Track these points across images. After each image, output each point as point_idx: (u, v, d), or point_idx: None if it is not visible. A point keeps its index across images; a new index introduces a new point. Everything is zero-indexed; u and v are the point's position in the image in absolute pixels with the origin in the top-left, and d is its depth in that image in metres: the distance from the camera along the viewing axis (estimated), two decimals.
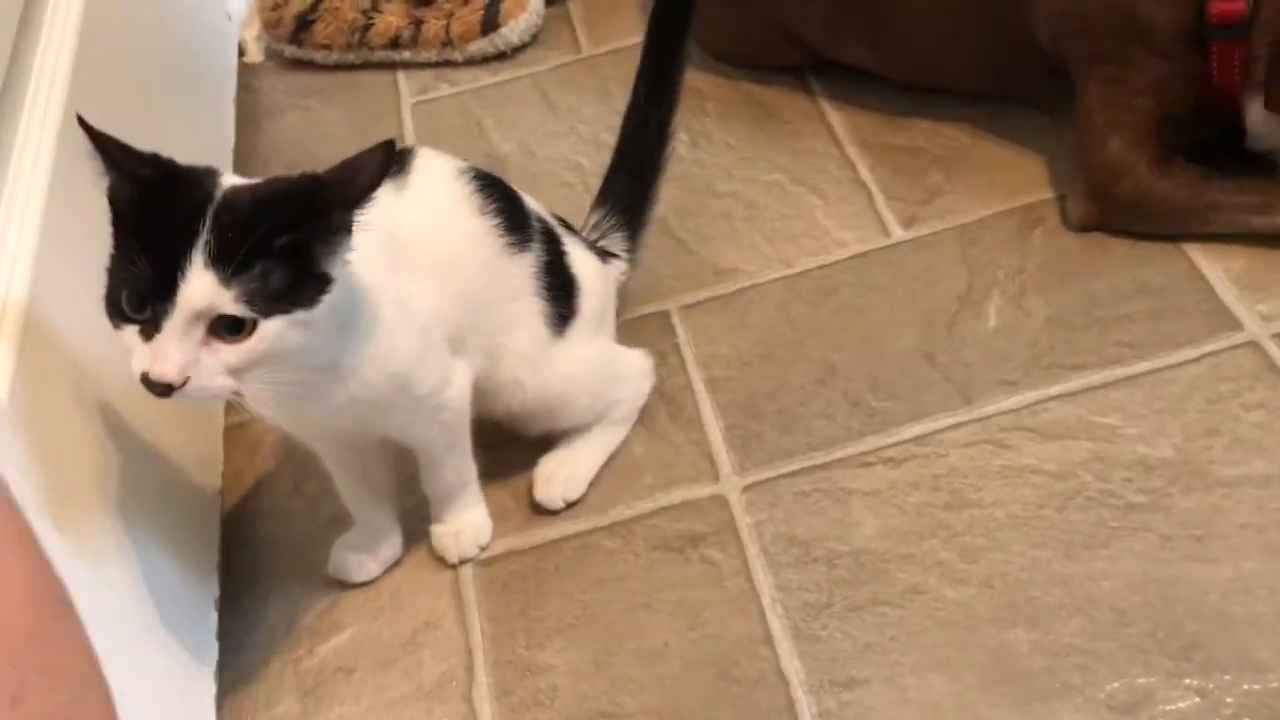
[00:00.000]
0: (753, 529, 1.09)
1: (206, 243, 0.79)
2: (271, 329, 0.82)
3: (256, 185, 0.86)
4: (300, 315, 0.83)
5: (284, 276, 0.81)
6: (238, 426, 1.26)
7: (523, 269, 1.07)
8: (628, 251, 1.24)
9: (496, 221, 1.04)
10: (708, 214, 1.39)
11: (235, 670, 1.07)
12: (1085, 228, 1.26)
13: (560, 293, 1.11)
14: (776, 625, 1.03)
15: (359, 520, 1.12)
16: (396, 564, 1.13)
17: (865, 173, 1.40)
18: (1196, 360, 1.13)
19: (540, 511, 1.14)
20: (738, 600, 1.05)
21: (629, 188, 1.25)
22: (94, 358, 0.97)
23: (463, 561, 1.12)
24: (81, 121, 0.82)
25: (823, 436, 1.15)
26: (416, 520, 1.14)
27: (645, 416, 1.19)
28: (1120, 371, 1.14)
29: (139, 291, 0.80)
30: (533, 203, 1.12)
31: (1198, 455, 1.06)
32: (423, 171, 1.02)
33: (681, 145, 1.42)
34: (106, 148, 0.83)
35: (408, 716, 1.03)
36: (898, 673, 0.98)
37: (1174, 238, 1.23)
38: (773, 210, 1.38)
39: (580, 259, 1.15)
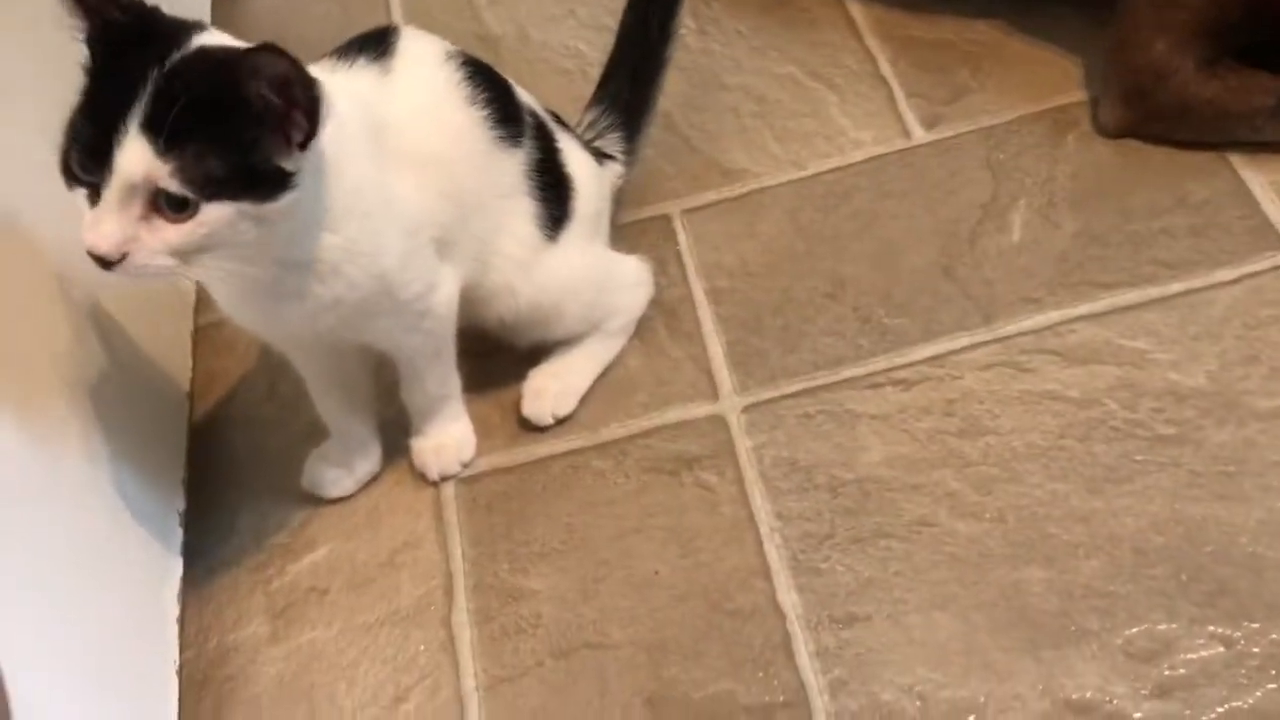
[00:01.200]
0: (752, 452, 1.03)
1: (148, 106, 0.73)
2: (214, 214, 0.75)
3: (222, 49, 0.78)
4: (249, 207, 0.76)
5: (224, 161, 0.74)
6: (210, 326, 1.19)
7: (514, 166, 0.99)
8: (625, 154, 1.16)
9: (487, 113, 0.96)
10: (715, 109, 1.30)
11: (200, 589, 1.01)
12: (1120, 133, 1.17)
13: (553, 193, 1.03)
14: (774, 555, 0.97)
15: (335, 432, 1.05)
16: (374, 480, 1.07)
17: (886, 67, 1.29)
18: (1236, 281, 1.05)
19: (528, 428, 1.08)
20: (733, 528, 0.99)
21: (628, 86, 1.16)
22: (53, 241, 0.90)
23: (444, 479, 1.05)
24: None
25: (830, 355, 1.07)
26: (396, 434, 1.07)
27: (642, 329, 1.12)
28: (1153, 292, 1.06)
29: (82, 151, 0.74)
30: (525, 95, 1.03)
31: (1233, 385, 0.99)
32: (408, 55, 0.93)
33: (688, 33, 1.32)
34: None
35: (383, 641, 0.98)
36: (901, 610, 0.92)
37: (1217, 147, 1.14)
38: (785, 106, 1.29)
39: (575, 158, 1.07)
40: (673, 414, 1.07)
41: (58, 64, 0.76)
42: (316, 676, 0.97)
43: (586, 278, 1.07)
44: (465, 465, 1.06)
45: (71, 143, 0.75)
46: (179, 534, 1.02)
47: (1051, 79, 1.23)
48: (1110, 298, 1.06)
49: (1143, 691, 0.85)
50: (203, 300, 1.20)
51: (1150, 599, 0.89)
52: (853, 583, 0.94)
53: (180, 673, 0.96)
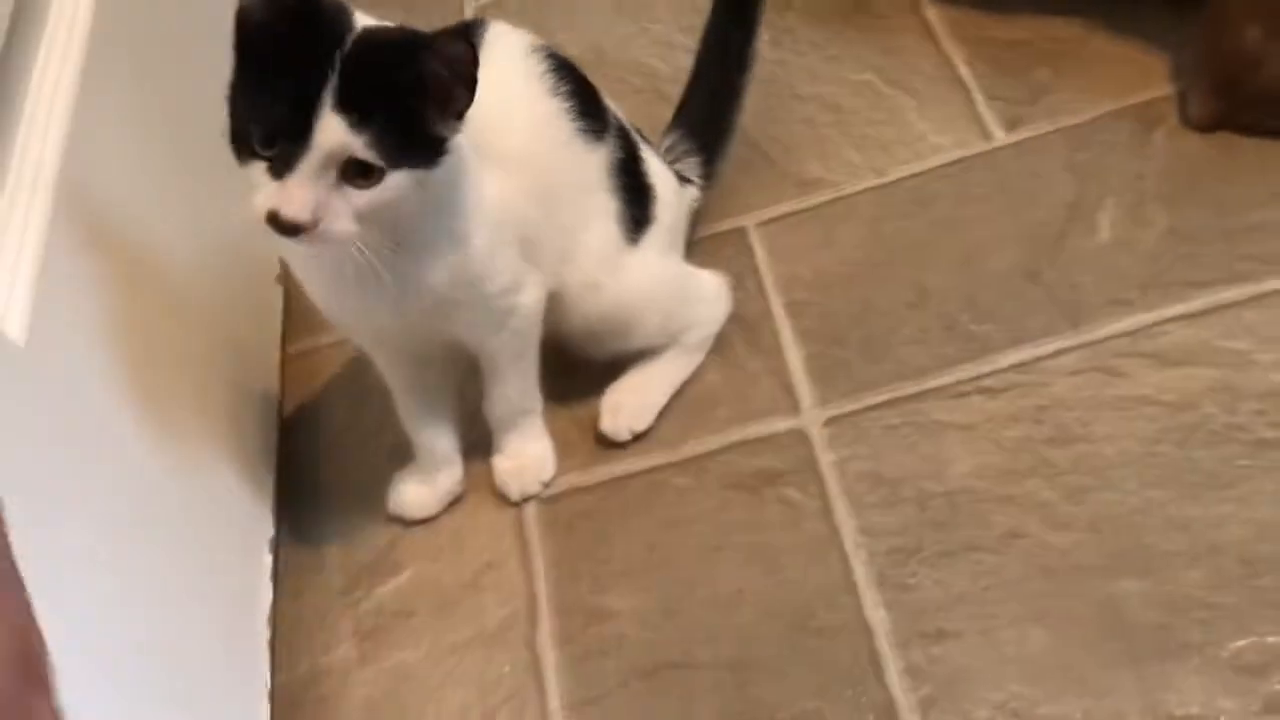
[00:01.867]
0: (835, 466, 1.01)
1: (339, 85, 0.78)
2: (397, 181, 0.81)
3: (388, 30, 0.83)
4: (421, 173, 0.82)
5: (402, 132, 0.80)
6: (298, 355, 1.21)
7: (596, 161, 1.00)
8: (702, 178, 1.15)
9: (570, 105, 0.97)
10: (790, 119, 1.28)
11: (290, 614, 1.03)
12: (1210, 126, 1.13)
13: (635, 195, 1.03)
14: (860, 572, 0.95)
15: (418, 449, 1.06)
16: (457, 501, 1.07)
17: (964, 70, 1.27)
18: None
19: (606, 445, 1.07)
20: (818, 545, 0.97)
21: (706, 111, 1.16)
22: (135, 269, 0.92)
23: (525, 499, 1.06)
24: None
25: (913, 365, 1.05)
26: (479, 457, 1.08)
27: (720, 344, 1.11)
28: (1251, 289, 1.01)
29: (270, 128, 0.79)
30: (609, 102, 1.04)
31: None
32: (494, 47, 0.94)
33: (761, 44, 1.31)
34: None
35: (468, 663, 0.98)
36: (993, 625, 0.89)
37: None
38: (861, 114, 1.27)
39: (656, 167, 1.07)
40: (753, 429, 1.05)
41: None
42: (405, 698, 0.97)
43: (666, 285, 1.07)
44: (546, 485, 1.06)
45: (251, 118, 0.79)
46: (269, 560, 1.03)
47: (1135, 75, 1.19)
48: (1205, 297, 1.02)
49: (1252, 708, 0.81)
50: (289, 329, 1.22)
51: (1258, 610, 0.85)
52: (942, 598, 0.91)
53: (272, 697, 0.98)
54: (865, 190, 1.20)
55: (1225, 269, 1.03)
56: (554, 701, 0.94)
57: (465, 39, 0.82)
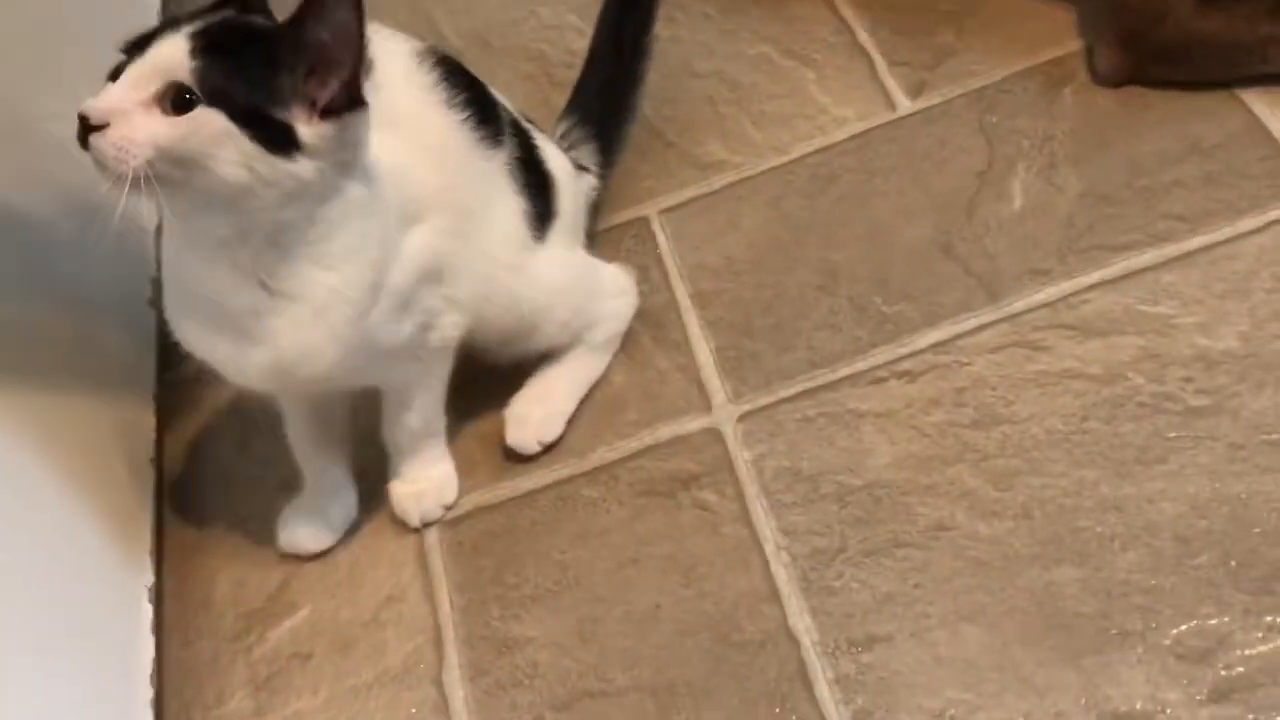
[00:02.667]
0: (751, 465, 0.95)
1: (206, 20, 0.76)
2: (206, 118, 0.74)
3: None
4: (245, 141, 0.74)
5: (245, 87, 0.75)
6: (175, 384, 1.12)
7: (498, 166, 0.93)
8: (599, 166, 1.09)
9: (466, 115, 0.90)
10: (687, 99, 1.22)
11: (179, 664, 0.95)
12: (1119, 81, 1.08)
13: (536, 191, 0.97)
14: (782, 577, 0.89)
15: (309, 478, 0.99)
16: (353, 530, 1.00)
17: (864, 36, 1.21)
18: (1262, 230, 0.96)
19: (513, 458, 1.01)
20: (737, 550, 0.91)
21: (602, 98, 1.10)
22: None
23: (426, 524, 0.99)
24: None
25: (827, 351, 0.99)
26: (373, 480, 1.00)
27: (626, 341, 1.05)
28: (1171, 249, 0.97)
29: (130, 42, 0.76)
30: (496, 94, 0.97)
31: (1268, 344, 0.90)
32: (379, 59, 0.86)
33: None
34: None
35: (373, 706, 0.91)
36: (925, 626, 0.84)
37: (1227, 85, 1.05)
38: (761, 89, 1.21)
39: (552, 154, 1.01)
40: (664, 430, 0.99)
41: None
42: None
43: (574, 279, 1.00)
44: (448, 508, 0.99)
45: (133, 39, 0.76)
46: (149, 611, 0.95)
47: (1041, 31, 1.14)
48: (1125, 261, 0.98)
49: (1198, 697, 0.77)
50: (165, 354, 1.13)
51: (1198, 591, 0.80)
52: (870, 600, 0.86)
53: None
54: (768, 170, 1.14)
55: (1144, 230, 0.99)
56: None
57: (359, 7, 0.75)
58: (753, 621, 0.88)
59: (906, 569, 0.87)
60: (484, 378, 1.02)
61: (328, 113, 0.77)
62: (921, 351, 0.97)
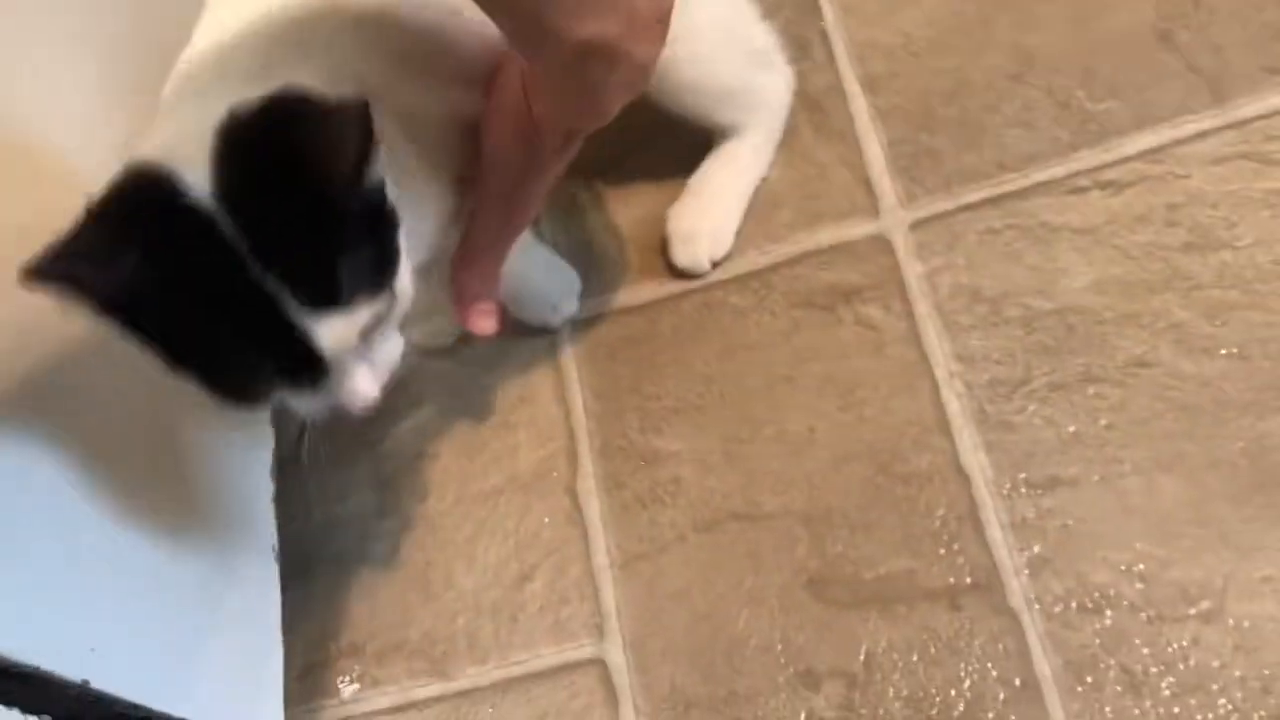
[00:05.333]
0: (924, 279, 0.85)
1: (277, 276, 0.56)
2: (404, 284, 0.62)
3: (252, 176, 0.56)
4: (405, 254, 0.62)
5: (360, 250, 0.59)
6: None
7: None
8: None
9: None
10: None
11: (298, 457, 0.91)
12: None
13: None
14: (954, 407, 0.81)
15: None
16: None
17: None
18: None
19: (657, 268, 0.91)
20: (904, 374, 0.82)
21: None
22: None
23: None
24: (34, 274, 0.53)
25: (1019, 152, 0.87)
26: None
27: (784, 131, 0.93)
28: None
29: (251, 375, 0.59)
30: None
31: None
32: None
33: None
34: (75, 269, 0.53)
35: (501, 513, 0.86)
36: (1116, 472, 0.76)
37: None
38: None
39: None
40: (825, 235, 0.89)
41: None
42: (432, 554, 0.86)
43: (736, 29, 0.87)
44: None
45: (223, 377, 0.58)
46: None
47: None
48: None
49: None
50: None
51: None
52: (1054, 439, 0.78)
53: (280, 554, 0.87)
54: None
55: None
56: (600, 557, 0.83)
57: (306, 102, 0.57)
58: (919, 453, 0.80)
59: (1099, 407, 0.78)
60: (613, 168, 0.92)
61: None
62: (1130, 159, 0.85)
